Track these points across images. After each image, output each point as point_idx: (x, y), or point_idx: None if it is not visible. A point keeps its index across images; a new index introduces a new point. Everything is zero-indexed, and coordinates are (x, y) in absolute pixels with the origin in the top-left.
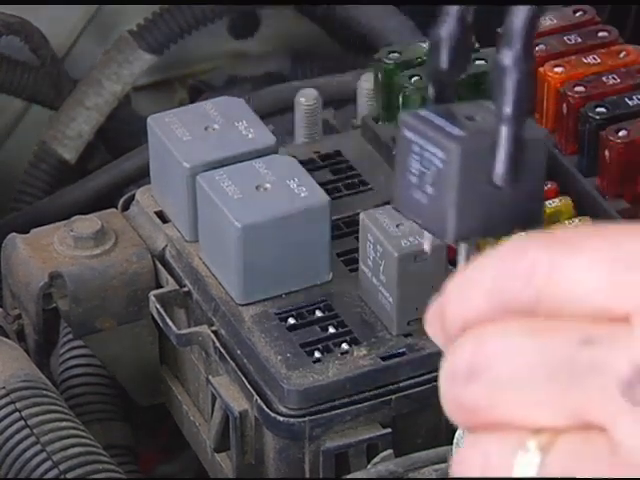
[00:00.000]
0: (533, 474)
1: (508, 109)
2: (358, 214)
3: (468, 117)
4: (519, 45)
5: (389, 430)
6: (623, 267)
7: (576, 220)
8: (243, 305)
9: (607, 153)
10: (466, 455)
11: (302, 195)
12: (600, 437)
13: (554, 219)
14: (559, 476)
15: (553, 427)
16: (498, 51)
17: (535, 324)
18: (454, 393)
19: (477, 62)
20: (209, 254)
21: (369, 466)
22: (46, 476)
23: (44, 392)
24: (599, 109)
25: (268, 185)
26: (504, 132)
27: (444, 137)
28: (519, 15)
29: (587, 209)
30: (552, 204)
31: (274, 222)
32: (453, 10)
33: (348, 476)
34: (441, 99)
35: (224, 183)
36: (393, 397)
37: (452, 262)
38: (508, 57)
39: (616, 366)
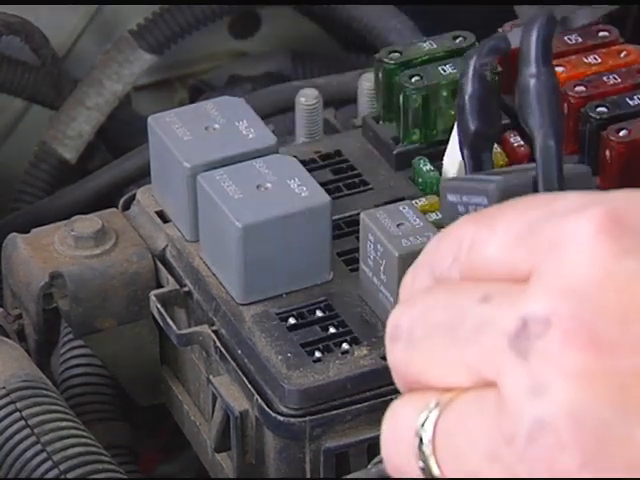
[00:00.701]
0: (430, 432)
1: (539, 124)
2: (358, 214)
3: (505, 172)
4: (537, 63)
5: None
6: (525, 233)
7: None
8: (244, 305)
9: (608, 153)
10: (384, 422)
11: (303, 195)
12: (490, 393)
13: None
14: (451, 434)
15: (460, 386)
16: (519, 72)
17: (449, 286)
18: (388, 357)
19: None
20: (210, 254)
21: (369, 466)
22: (46, 476)
23: (44, 392)
24: (600, 109)
25: (269, 185)
26: (539, 150)
27: (482, 184)
28: (533, 34)
29: None
30: None
31: (275, 222)
32: (469, 69)
33: (348, 476)
34: (478, 163)
35: (225, 183)
36: (393, 397)
37: None
38: (528, 75)
39: (504, 321)
